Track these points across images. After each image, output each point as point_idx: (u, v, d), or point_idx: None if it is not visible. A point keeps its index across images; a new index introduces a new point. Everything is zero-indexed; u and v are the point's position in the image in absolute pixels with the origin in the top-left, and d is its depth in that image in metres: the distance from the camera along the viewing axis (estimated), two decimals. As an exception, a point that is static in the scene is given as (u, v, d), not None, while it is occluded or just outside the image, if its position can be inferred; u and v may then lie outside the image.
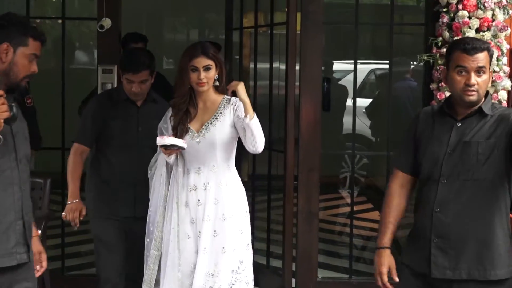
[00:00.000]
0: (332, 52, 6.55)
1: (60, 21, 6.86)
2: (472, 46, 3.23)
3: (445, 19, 5.49)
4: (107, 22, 5.70)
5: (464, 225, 3.24)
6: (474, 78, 3.20)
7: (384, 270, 3.46)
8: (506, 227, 3.29)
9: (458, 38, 3.67)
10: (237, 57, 7.26)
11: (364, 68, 9.25)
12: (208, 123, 4.34)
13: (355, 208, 6.56)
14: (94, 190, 4.91)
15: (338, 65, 9.17)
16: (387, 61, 6.51)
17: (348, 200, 8.64)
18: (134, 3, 7.38)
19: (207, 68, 4.24)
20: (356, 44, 6.23)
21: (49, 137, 5.54)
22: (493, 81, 5.42)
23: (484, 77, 3.23)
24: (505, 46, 5.49)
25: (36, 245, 3.70)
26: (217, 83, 4.36)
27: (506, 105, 5.54)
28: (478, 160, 3.21)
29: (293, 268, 5.75)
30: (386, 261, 3.46)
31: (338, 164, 9.41)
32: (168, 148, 4.18)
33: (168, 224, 4.43)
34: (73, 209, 4.63)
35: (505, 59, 5.51)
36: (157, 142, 4.19)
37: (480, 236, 3.23)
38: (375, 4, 6.71)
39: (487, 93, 3.33)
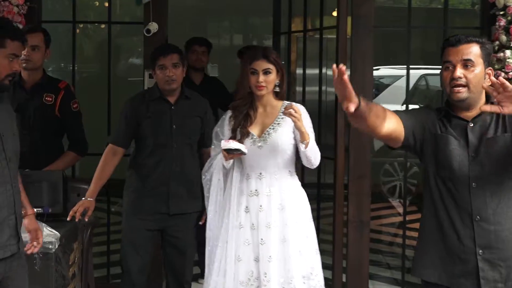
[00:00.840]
0: (379, 57, 6.45)
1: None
2: (457, 38, 3.09)
3: (502, 22, 5.48)
4: (153, 26, 5.69)
5: (509, 230, 3.09)
6: (459, 71, 3.03)
7: None
8: None
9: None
10: (283, 62, 7.26)
11: (415, 73, 9.11)
12: (270, 128, 4.38)
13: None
14: (131, 188, 4.91)
15: (385, 71, 9.14)
16: (439, 67, 6.45)
17: (397, 210, 8.64)
18: (178, 8, 7.38)
19: (266, 72, 4.27)
20: (409, 48, 6.14)
21: (96, 142, 5.54)
22: None
23: (475, 71, 3.02)
24: None
25: (33, 223, 4.02)
26: (277, 89, 4.36)
27: None
28: (504, 158, 3.06)
29: (343, 279, 5.71)
30: None
31: (385, 173, 9.41)
32: (230, 152, 4.18)
33: (225, 231, 4.43)
34: (82, 204, 4.68)
35: None
36: (221, 146, 4.22)
37: None
38: (424, 8, 6.57)
39: (488, 96, 3.09)
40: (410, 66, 6.37)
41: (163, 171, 4.78)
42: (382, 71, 9.06)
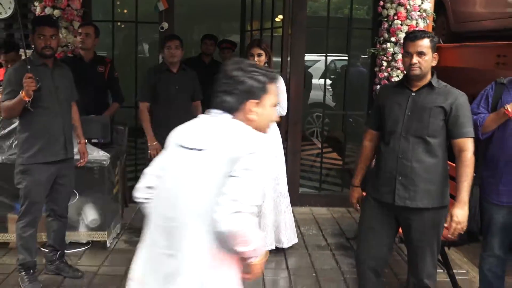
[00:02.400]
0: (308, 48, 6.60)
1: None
2: (414, 35, 3.04)
3: (385, 25, 5.54)
4: (165, 25, 5.71)
5: (419, 169, 3.03)
6: (415, 59, 2.99)
7: (355, 200, 3.45)
8: (445, 170, 3.10)
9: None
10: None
11: (329, 59, 9.08)
12: None
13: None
14: (152, 128, 4.78)
15: (309, 57, 9.25)
16: (346, 55, 6.53)
17: (317, 145, 8.85)
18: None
19: (259, 55, 4.42)
20: (327, 42, 6.18)
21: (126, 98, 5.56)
22: None
23: (426, 58, 2.99)
24: None
25: (82, 148, 4.19)
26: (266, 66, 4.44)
27: None
28: (430, 120, 3.01)
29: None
30: (356, 195, 3.44)
31: (307, 122, 9.54)
32: None
33: None
34: (155, 148, 4.66)
35: None
36: None
37: (428, 177, 3.03)
38: (338, 17, 6.65)
39: (433, 72, 3.10)
40: (328, 54, 6.57)
41: (172, 117, 4.57)
42: (307, 57, 9.20)
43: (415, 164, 3.04)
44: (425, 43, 3.01)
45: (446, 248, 3.98)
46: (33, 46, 3.82)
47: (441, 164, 3.08)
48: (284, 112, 4.57)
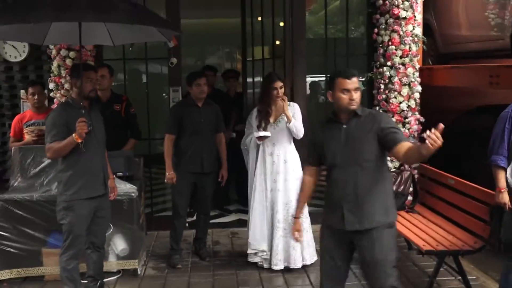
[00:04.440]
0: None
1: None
2: (350, 74, 3.15)
3: (381, 51, 5.88)
4: (174, 60, 5.95)
5: (362, 193, 3.13)
6: (355, 95, 3.11)
7: (295, 231, 3.58)
8: (387, 189, 3.26)
9: (336, 70, 3.39)
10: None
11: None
12: (280, 118, 4.84)
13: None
14: (177, 157, 5.07)
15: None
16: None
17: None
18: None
19: (281, 87, 4.77)
20: (326, 64, 6.34)
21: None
22: (410, 86, 5.96)
23: (359, 93, 3.14)
24: (417, 66, 5.84)
25: (112, 183, 4.36)
26: None
27: (419, 102, 5.85)
28: (364, 148, 3.12)
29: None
30: (297, 227, 3.58)
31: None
32: (261, 138, 4.75)
33: (256, 177, 4.92)
34: (171, 177, 4.99)
35: (417, 73, 5.81)
36: (256, 134, 4.78)
37: (371, 200, 3.14)
38: (335, 38, 6.84)
39: None
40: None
41: (197, 146, 5.02)
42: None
43: (358, 190, 3.15)
44: (357, 80, 3.17)
45: (459, 257, 4.26)
46: (72, 90, 4.11)
47: (382, 185, 3.20)
48: (301, 135, 4.88)
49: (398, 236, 5.55)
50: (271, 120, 4.84)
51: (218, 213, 6.77)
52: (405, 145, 3.02)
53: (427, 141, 2.70)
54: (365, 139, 3.13)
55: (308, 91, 7.08)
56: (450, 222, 4.61)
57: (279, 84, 4.77)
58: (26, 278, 4.78)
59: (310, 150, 3.45)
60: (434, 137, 2.67)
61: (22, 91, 5.96)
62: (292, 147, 4.93)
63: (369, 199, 3.16)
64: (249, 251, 5.00)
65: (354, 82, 3.15)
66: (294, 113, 4.84)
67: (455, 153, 5.74)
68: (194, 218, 5.72)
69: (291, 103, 4.96)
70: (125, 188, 4.79)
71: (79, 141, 3.79)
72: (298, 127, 4.83)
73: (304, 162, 3.42)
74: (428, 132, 2.70)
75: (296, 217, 3.61)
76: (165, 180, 5.07)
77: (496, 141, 3.76)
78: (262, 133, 4.77)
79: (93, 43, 5.34)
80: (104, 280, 4.50)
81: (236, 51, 10.97)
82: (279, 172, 4.85)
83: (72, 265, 4.03)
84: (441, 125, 2.71)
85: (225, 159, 5.26)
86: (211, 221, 5.77)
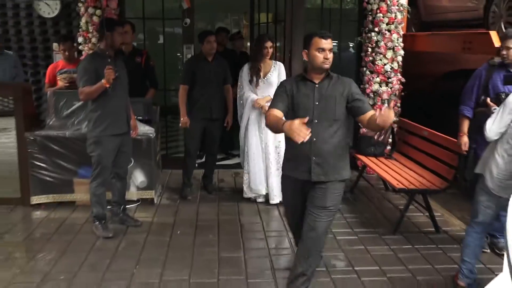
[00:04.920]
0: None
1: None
2: (326, 34, 3.02)
3: (370, 18, 5.95)
4: (188, 20, 6.03)
5: (330, 148, 3.06)
6: (329, 55, 2.99)
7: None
8: (346, 147, 3.18)
9: (313, 31, 3.06)
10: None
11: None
12: (268, 74, 4.97)
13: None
14: (190, 105, 5.16)
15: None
16: (337, 41, 6.72)
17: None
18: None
19: (271, 47, 4.88)
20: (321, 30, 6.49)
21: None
22: (394, 50, 6.07)
23: (331, 54, 3.02)
24: (401, 32, 5.91)
25: (133, 122, 4.51)
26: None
27: (401, 65, 5.93)
28: (336, 107, 3.04)
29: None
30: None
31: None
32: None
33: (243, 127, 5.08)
34: (185, 121, 5.14)
35: (401, 39, 5.88)
36: (251, 99, 4.93)
37: (336, 153, 3.09)
38: (330, 8, 6.85)
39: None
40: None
41: (208, 94, 5.13)
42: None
43: (326, 145, 3.07)
44: (331, 42, 3.04)
45: (428, 196, 4.52)
46: (100, 42, 4.20)
47: (344, 142, 3.15)
48: None
49: (377, 179, 5.91)
50: (261, 75, 4.97)
51: (223, 156, 6.97)
52: (368, 115, 3.00)
53: (378, 119, 2.73)
54: (337, 100, 3.05)
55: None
56: (422, 167, 4.82)
57: (269, 44, 4.91)
58: (60, 203, 5.01)
59: (280, 98, 3.13)
60: (385, 116, 2.71)
61: (55, 44, 6.07)
62: None
63: (335, 154, 3.09)
64: (250, 195, 5.21)
65: (329, 43, 3.02)
66: (279, 71, 4.98)
67: (430, 111, 5.91)
68: (203, 159, 5.92)
69: (277, 62, 5.07)
70: (144, 129, 4.97)
71: (107, 85, 3.95)
72: None
73: (270, 106, 3.13)
74: (380, 111, 2.73)
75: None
76: (180, 124, 5.23)
77: (466, 94, 3.94)
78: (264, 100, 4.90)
79: None
80: (126, 206, 4.73)
81: (242, 17, 10.88)
82: None
83: (100, 191, 4.26)
84: (392, 104, 2.97)
85: (231, 107, 5.39)
86: (217, 163, 5.95)
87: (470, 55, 5.94)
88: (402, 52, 5.94)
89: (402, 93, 5.99)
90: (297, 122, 2.71)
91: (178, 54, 7.04)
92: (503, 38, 3.73)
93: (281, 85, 3.22)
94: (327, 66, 3.04)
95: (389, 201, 5.33)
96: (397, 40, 5.91)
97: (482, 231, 3.40)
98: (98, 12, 5.72)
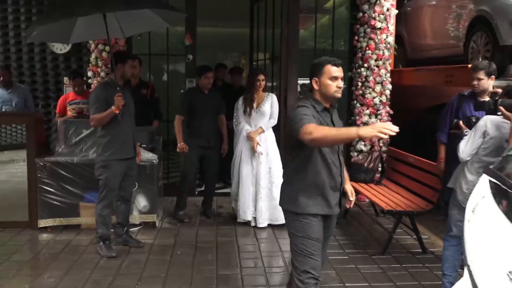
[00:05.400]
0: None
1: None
2: (338, 62, 2.81)
3: (359, 55, 6.20)
4: (190, 57, 6.27)
5: (340, 178, 2.87)
6: (340, 83, 2.78)
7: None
8: None
9: (323, 58, 2.80)
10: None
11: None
12: (261, 105, 5.18)
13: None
14: (188, 134, 5.32)
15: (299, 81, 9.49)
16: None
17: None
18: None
19: (263, 79, 5.13)
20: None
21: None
22: (382, 85, 6.30)
23: (342, 82, 2.80)
24: (389, 68, 6.16)
25: (137, 149, 4.56)
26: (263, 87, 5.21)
27: (389, 98, 6.15)
28: None
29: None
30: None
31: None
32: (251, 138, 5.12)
33: (242, 157, 5.25)
34: (182, 147, 5.29)
35: (388, 74, 6.13)
36: (246, 133, 5.16)
37: (342, 184, 2.92)
38: (324, 48, 7.11)
39: None
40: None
41: (204, 125, 5.31)
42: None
43: (338, 176, 2.89)
44: (342, 70, 2.84)
45: (415, 219, 4.63)
46: (112, 72, 4.42)
47: None
48: (275, 122, 5.26)
49: (368, 205, 6.05)
50: (254, 106, 5.19)
51: (222, 185, 7.07)
52: None
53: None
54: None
55: (298, 89, 7.38)
56: (408, 191, 4.97)
57: (261, 77, 5.16)
58: (66, 226, 5.13)
59: (310, 117, 2.71)
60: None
61: (66, 78, 6.32)
62: (271, 129, 5.29)
63: (341, 184, 2.92)
64: (238, 220, 5.37)
65: (341, 71, 2.82)
66: (272, 102, 5.20)
67: (417, 141, 6.10)
68: (203, 188, 6.06)
69: (270, 94, 5.31)
70: (148, 156, 5.14)
71: (117, 112, 4.16)
72: (272, 124, 5.24)
73: (300, 124, 2.65)
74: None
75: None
76: (177, 149, 5.35)
77: (441, 122, 4.17)
78: (259, 149, 5.15)
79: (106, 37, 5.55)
80: (129, 228, 4.85)
81: (240, 56, 11.20)
82: (262, 148, 5.20)
83: (106, 212, 4.40)
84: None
85: (226, 135, 5.58)
86: (216, 191, 6.09)
87: (451, 90, 6.22)
88: (390, 86, 6.18)
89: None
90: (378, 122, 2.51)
91: (181, 90, 7.26)
92: (473, 70, 3.97)
93: (303, 107, 2.77)
94: (339, 95, 2.82)
95: (379, 225, 5.45)
96: (385, 75, 6.16)
97: (458, 243, 3.51)
98: (107, 48, 5.96)
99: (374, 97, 6.16)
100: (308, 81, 2.88)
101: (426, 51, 6.42)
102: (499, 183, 1.76)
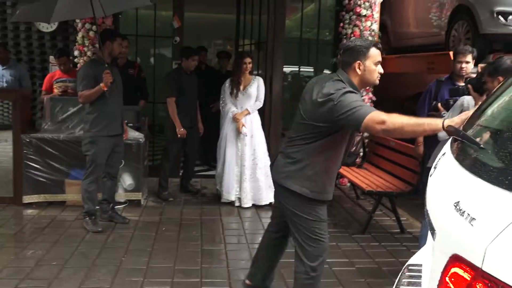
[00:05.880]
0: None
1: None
2: (380, 46, 2.63)
3: (344, 41, 6.11)
4: (178, 39, 6.30)
5: None
6: (381, 69, 2.62)
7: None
8: None
9: (366, 39, 2.62)
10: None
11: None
12: (247, 87, 5.24)
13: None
14: (178, 114, 5.33)
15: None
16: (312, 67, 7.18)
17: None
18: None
19: (250, 63, 5.18)
20: (300, 56, 6.85)
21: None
22: None
23: None
24: None
25: (124, 126, 4.66)
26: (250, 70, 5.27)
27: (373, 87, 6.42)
28: None
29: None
30: None
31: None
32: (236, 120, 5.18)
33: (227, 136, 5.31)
34: (183, 132, 5.34)
35: None
36: (234, 116, 5.20)
37: None
38: (309, 37, 7.18)
39: None
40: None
41: (190, 104, 5.43)
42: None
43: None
44: None
45: (394, 200, 4.79)
46: (99, 49, 4.43)
47: None
48: (261, 105, 5.34)
49: (349, 189, 6.19)
50: (241, 88, 5.26)
51: (206, 168, 7.17)
52: None
53: None
54: None
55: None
56: (389, 174, 5.10)
57: (248, 59, 5.24)
58: (51, 202, 5.14)
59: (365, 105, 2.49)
60: None
61: (51, 57, 6.29)
62: (256, 111, 5.38)
63: None
64: (222, 200, 5.45)
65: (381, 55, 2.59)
66: (258, 85, 5.28)
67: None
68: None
69: (257, 77, 5.39)
70: (134, 134, 5.18)
71: (105, 89, 4.19)
72: (257, 106, 5.32)
73: (363, 113, 2.38)
74: None
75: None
76: (178, 135, 5.36)
77: (419, 107, 4.30)
78: (244, 130, 5.23)
79: (86, 16, 5.48)
80: (115, 205, 4.90)
81: (226, 42, 11.18)
82: (247, 130, 5.29)
83: (92, 187, 4.44)
84: None
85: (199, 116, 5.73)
86: (201, 173, 6.22)
87: (430, 79, 6.51)
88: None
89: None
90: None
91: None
92: (461, 53, 4.06)
93: (350, 93, 2.48)
94: (377, 82, 2.66)
95: (360, 207, 5.59)
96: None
97: None
98: (94, 27, 5.94)
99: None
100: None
101: (409, 39, 6.55)
102: (456, 136, 1.78)
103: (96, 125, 4.32)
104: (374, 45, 2.61)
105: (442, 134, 3.37)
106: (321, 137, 2.61)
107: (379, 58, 2.60)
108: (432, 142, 4.00)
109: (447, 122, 2.18)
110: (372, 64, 2.58)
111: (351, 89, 2.51)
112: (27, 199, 5.10)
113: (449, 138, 3.34)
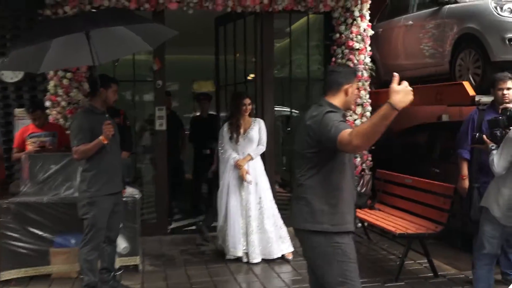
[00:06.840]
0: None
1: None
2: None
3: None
4: (160, 82, 5.93)
5: None
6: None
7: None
8: None
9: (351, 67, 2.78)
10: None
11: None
12: (248, 130, 4.96)
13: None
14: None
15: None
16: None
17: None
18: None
19: (249, 104, 4.91)
20: (290, 97, 6.63)
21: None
22: (363, 106, 6.19)
23: None
24: (368, 89, 6.13)
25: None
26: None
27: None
28: None
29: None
30: None
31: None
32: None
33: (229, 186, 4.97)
34: None
35: (368, 96, 6.08)
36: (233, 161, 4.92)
37: None
38: (298, 78, 7.09)
39: None
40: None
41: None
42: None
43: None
44: None
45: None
46: (93, 99, 3.99)
47: None
48: (264, 149, 5.07)
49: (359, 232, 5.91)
50: (241, 131, 4.97)
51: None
52: None
53: None
54: None
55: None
56: (409, 214, 4.84)
57: (247, 100, 4.98)
58: (33, 277, 4.52)
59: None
60: None
61: (17, 110, 5.72)
62: (259, 156, 5.09)
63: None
64: (228, 257, 5.02)
65: None
66: (260, 127, 5.02)
67: (397, 161, 6.14)
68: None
69: (257, 119, 5.15)
70: (129, 190, 4.73)
71: (105, 142, 3.74)
72: (261, 150, 5.05)
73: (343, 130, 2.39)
74: None
75: None
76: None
77: (461, 138, 4.13)
78: (249, 178, 4.93)
79: (79, 65, 5.16)
80: (116, 272, 4.36)
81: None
82: (251, 177, 4.96)
83: (93, 256, 3.90)
84: None
85: None
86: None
87: (422, 113, 6.82)
88: (370, 108, 6.16)
89: (372, 147, 6.15)
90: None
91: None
92: (501, 80, 3.97)
93: (338, 115, 2.53)
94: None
95: (383, 250, 5.30)
96: (365, 96, 6.14)
97: (490, 262, 3.47)
98: (68, 75, 5.54)
99: (355, 120, 6.10)
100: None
101: (400, 71, 6.44)
102: None
103: (95, 183, 3.83)
104: (359, 71, 2.98)
105: (498, 169, 3.20)
106: (319, 166, 2.57)
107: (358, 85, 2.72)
108: (480, 176, 3.84)
109: (393, 102, 2.19)
110: (355, 89, 2.72)
111: (332, 109, 2.56)
112: (4, 275, 4.46)
113: (505, 172, 3.19)
